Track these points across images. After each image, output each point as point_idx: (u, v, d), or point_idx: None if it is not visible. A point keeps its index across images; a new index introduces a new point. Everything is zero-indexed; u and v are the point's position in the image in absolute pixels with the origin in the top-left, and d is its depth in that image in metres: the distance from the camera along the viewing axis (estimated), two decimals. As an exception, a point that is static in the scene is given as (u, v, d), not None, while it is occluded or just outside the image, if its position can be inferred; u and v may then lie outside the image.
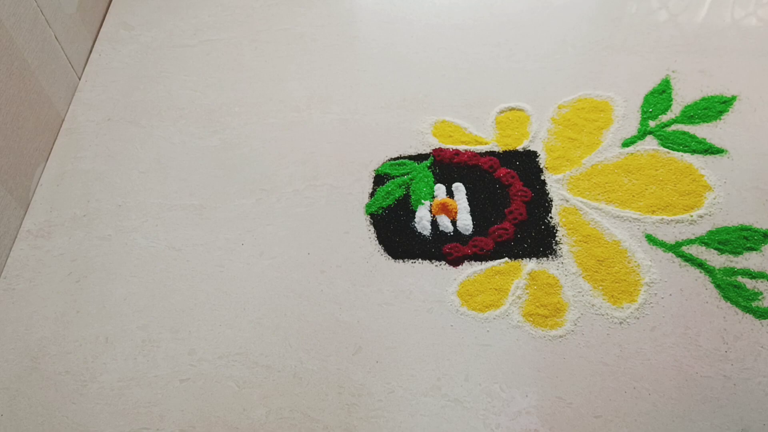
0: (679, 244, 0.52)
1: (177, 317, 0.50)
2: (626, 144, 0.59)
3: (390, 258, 0.53)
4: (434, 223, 0.55)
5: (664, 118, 0.60)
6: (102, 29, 0.72)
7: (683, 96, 0.62)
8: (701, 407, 0.44)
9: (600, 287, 0.50)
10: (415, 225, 0.55)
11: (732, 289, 0.50)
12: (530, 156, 0.59)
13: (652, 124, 0.60)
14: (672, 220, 0.54)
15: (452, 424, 0.44)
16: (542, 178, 0.57)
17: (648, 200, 0.55)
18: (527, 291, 0.50)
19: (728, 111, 0.60)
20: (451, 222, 0.55)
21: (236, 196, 0.57)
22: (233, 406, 0.46)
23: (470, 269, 0.52)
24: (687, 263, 0.51)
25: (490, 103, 0.63)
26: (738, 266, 0.51)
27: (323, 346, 0.48)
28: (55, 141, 0.62)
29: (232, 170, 0.59)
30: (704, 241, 0.52)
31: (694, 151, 0.58)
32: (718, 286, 0.50)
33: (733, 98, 0.61)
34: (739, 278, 0.50)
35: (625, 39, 0.68)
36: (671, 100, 0.62)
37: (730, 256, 0.51)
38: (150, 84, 0.66)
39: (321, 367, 0.47)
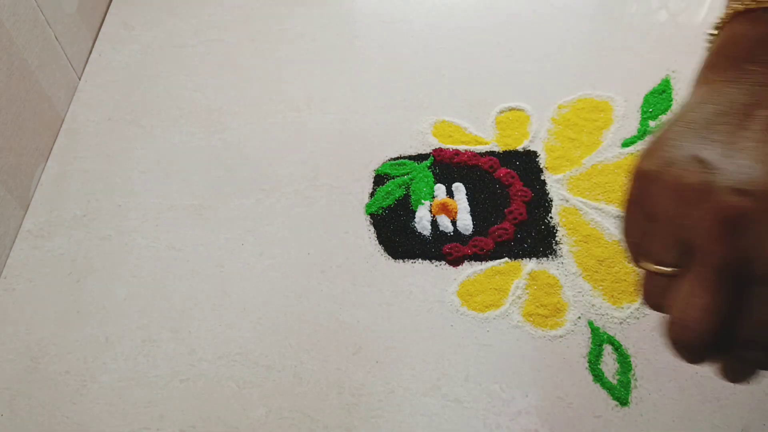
0: (679, 244, 0.52)
1: (177, 317, 0.50)
2: (626, 144, 0.59)
3: (390, 258, 0.53)
4: (434, 223, 0.55)
5: (664, 118, 0.60)
6: (102, 29, 0.72)
7: (683, 96, 0.62)
8: (701, 407, 0.44)
9: (600, 287, 0.50)
10: (415, 225, 0.55)
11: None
12: (530, 156, 0.59)
13: (652, 124, 0.60)
14: (672, 220, 0.54)
15: (452, 424, 0.44)
16: (542, 178, 0.57)
17: (648, 200, 0.55)
18: (527, 291, 0.51)
19: (728, 111, 0.60)
20: (451, 222, 0.55)
21: (236, 196, 0.57)
22: (233, 406, 0.46)
23: (470, 269, 0.52)
24: (687, 263, 0.51)
25: (490, 103, 0.63)
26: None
27: (323, 346, 0.48)
28: (55, 141, 0.62)
29: (232, 170, 0.59)
30: (704, 241, 0.52)
31: (694, 151, 0.58)
32: (718, 286, 0.50)
33: (733, 98, 0.61)
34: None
35: (625, 39, 0.68)
36: (671, 100, 0.62)
37: (730, 256, 0.51)
38: (150, 84, 0.66)
39: (321, 367, 0.47)
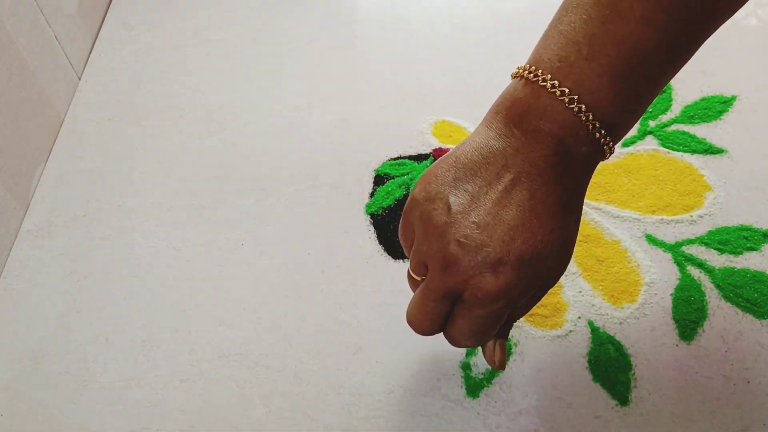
0: (679, 244, 0.52)
1: (177, 317, 0.50)
2: (626, 144, 0.59)
3: (390, 258, 0.53)
4: (434, 223, 0.55)
5: (664, 118, 0.60)
6: (102, 29, 0.72)
7: (683, 96, 0.62)
8: (701, 407, 0.44)
9: (600, 287, 0.50)
10: (415, 225, 0.54)
11: (732, 288, 0.50)
12: (530, 156, 0.58)
13: (652, 124, 0.60)
14: (672, 220, 0.54)
15: (452, 424, 0.44)
16: (542, 178, 0.57)
17: (648, 200, 0.55)
18: (527, 291, 0.50)
19: (728, 111, 0.60)
20: (451, 222, 0.55)
21: (236, 196, 0.57)
22: (233, 406, 0.46)
23: (470, 269, 0.52)
24: (687, 263, 0.51)
25: (490, 103, 0.62)
26: (738, 266, 0.51)
27: (323, 346, 0.48)
28: (55, 141, 0.62)
29: (232, 170, 0.59)
30: (704, 241, 0.52)
31: (694, 151, 0.58)
32: (718, 286, 0.50)
33: (733, 98, 0.61)
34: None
35: (625, 39, 0.68)
36: (671, 100, 0.62)
37: (730, 256, 0.51)
38: (150, 84, 0.66)
39: (321, 367, 0.47)
